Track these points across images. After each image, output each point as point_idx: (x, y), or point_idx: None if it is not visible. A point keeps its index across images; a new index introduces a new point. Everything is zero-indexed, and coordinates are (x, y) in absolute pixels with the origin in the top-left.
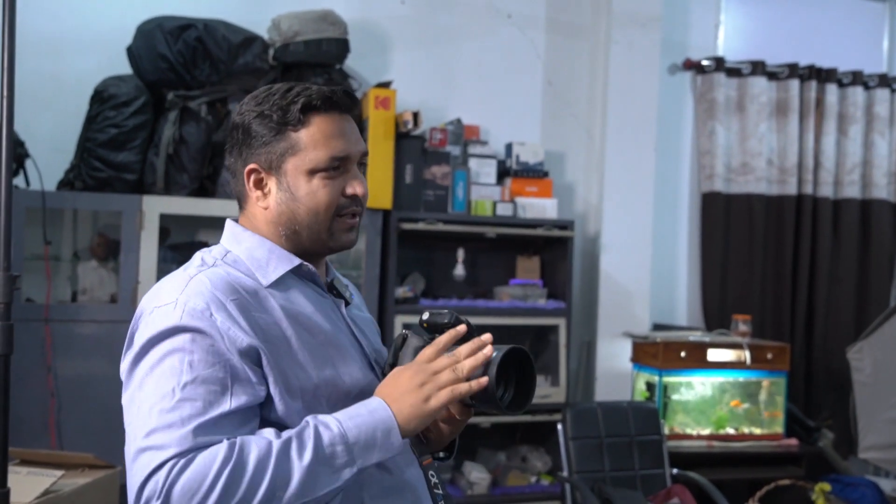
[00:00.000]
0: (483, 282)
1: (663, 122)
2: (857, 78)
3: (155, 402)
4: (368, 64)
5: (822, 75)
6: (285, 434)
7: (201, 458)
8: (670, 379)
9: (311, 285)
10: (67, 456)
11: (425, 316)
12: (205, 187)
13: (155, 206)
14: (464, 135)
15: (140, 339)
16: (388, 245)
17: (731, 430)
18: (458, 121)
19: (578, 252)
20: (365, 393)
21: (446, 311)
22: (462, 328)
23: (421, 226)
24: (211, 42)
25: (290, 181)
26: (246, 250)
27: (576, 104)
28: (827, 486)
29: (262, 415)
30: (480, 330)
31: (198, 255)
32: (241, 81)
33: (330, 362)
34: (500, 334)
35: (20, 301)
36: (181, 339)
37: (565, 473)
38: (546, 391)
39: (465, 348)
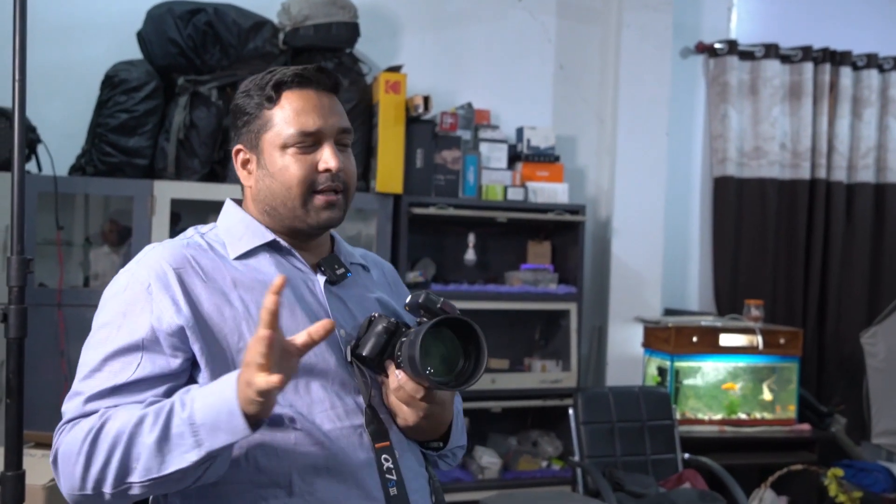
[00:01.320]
0: (494, 267)
1: (675, 106)
2: (872, 61)
3: (81, 368)
4: (379, 48)
5: (837, 58)
6: (152, 408)
7: (78, 427)
8: (682, 364)
9: (289, 259)
10: None
11: (407, 299)
12: (215, 172)
13: (166, 191)
14: (474, 119)
15: (103, 295)
16: (398, 230)
17: (742, 416)
18: (469, 105)
19: (589, 237)
20: (310, 370)
21: (422, 292)
22: (279, 280)
23: (432, 210)
24: (221, 26)
25: (266, 158)
26: (227, 225)
27: (587, 88)
28: (840, 472)
29: (197, 382)
30: (489, 316)
31: (189, 229)
32: (252, 66)
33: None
34: (511, 319)
35: (33, 286)
36: (114, 311)
37: (577, 458)
38: (557, 376)
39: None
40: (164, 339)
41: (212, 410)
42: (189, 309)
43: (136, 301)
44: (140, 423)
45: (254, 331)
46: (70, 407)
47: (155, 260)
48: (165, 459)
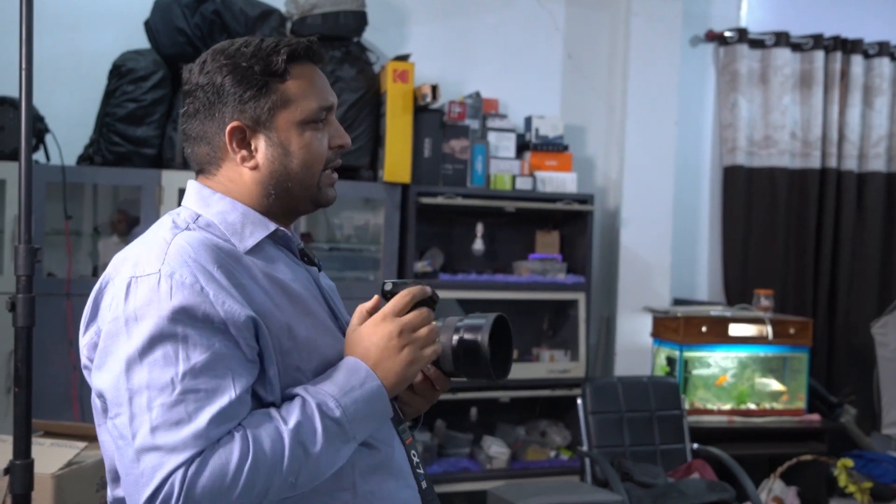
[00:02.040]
0: (502, 256)
1: (685, 95)
2: (884, 49)
3: (153, 396)
4: (386, 37)
5: (848, 46)
6: (290, 418)
7: (217, 457)
8: (691, 354)
9: (285, 251)
10: (90, 428)
11: (388, 286)
12: None
13: (174, 181)
14: (483, 108)
15: (118, 313)
16: (406, 219)
17: (752, 406)
18: (477, 94)
19: (598, 226)
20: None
21: (410, 280)
22: (427, 288)
23: (440, 200)
24: (228, 15)
25: (281, 136)
26: (218, 214)
27: (596, 77)
28: (849, 462)
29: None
30: (497, 306)
31: (167, 217)
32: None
33: (313, 330)
34: (519, 309)
35: (42, 275)
36: (173, 321)
37: (585, 448)
38: (565, 366)
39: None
40: (238, 341)
41: (363, 403)
42: (251, 306)
43: (196, 306)
44: (297, 433)
45: (296, 334)
46: (178, 439)
47: (188, 256)
48: (328, 462)
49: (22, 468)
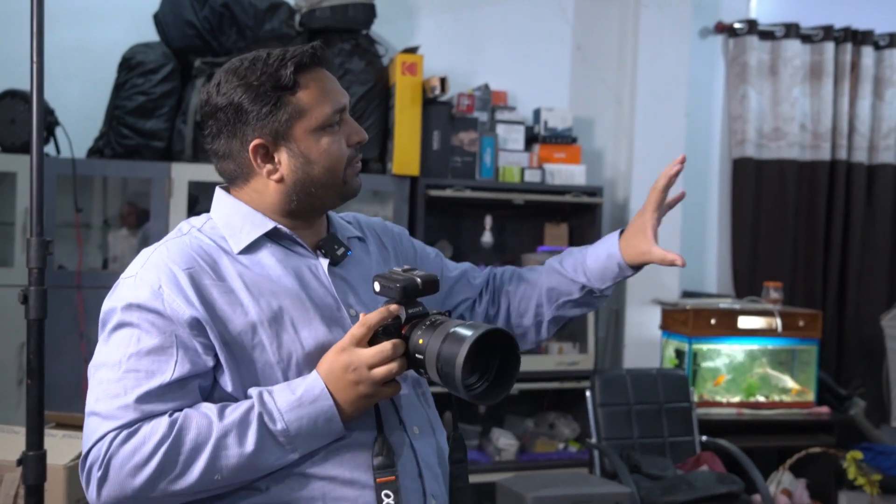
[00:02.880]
0: (511, 249)
1: (694, 87)
2: (895, 40)
3: (105, 372)
4: (395, 29)
5: (858, 37)
6: (228, 416)
7: (141, 433)
8: (700, 346)
9: (290, 246)
10: None
11: (376, 287)
12: None
13: (183, 174)
14: (491, 100)
15: (104, 308)
16: (415, 212)
17: (761, 398)
18: (486, 86)
19: (607, 219)
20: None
21: (396, 285)
22: (393, 309)
23: (448, 192)
24: (237, 8)
25: (301, 146)
26: (224, 216)
27: (605, 69)
28: (859, 455)
29: (216, 381)
30: None
31: (182, 224)
32: (268, 48)
33: (290, 325)
34: None
35: (53, 268)
36: (130, 313)
37: (594, 440)
38: (574, 358)
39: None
40: (188, 335)
41: (309, 420)
42: (203, 306)
43: (150, 303)
44: (225, 435)
45: (267, 332)
46: (111, 409)
47: (162, 261)
48: (259, 465)
49: (34, 459)
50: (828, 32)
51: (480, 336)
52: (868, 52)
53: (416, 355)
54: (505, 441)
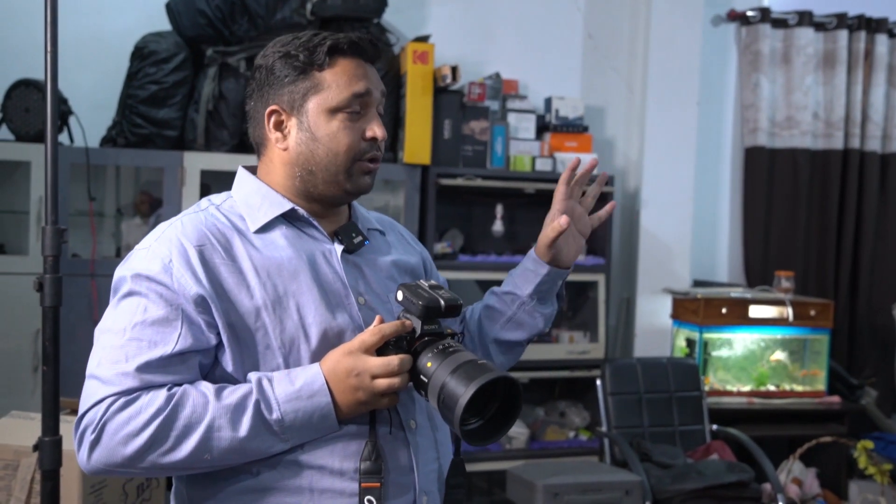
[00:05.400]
0: (521, 238)
1: (706, 75)
2: None
3: (109, 337)
4: (406, 18)
5: (872, 25)
6: (226, 398)
7: (138, 402)
8: (711, 335)
9: (306, 229)
10: None
11: (399, 296)
12: (245, 143)
13: (196, 163)
14: (503, 89)
15: (116, 275)
16: (426, 201)
17: (772, 387)
18: (497, 75)
19: (618, 208)
20: (332, 338)
21: (420, 302)
22: (408, 324)
23: (459, 181)
24: None
25: (310, 121)
26: (243, 195)
27: (616, 57)
28: (869, 444)
29: (217, 360)
30: None
31: (202, 200)
32: (280, 36)
33: (295, 309)
34: None
35: (67, 256)
36: (140, 283)
37: (604, 428)
38: (585, 347)
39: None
40: (193, 311)
41: (304, 414)
42: (210, 284)
43: (159, 275)
44: (219, 416)
45: (271, 316)
46: (111, 374)
47: (175, 236)
48: (249, 450)
49: (50, 445)
50: (841, 20)
51: (487, 383)
52: (882, 40)
53: (422, 377)
54: (515, 429)
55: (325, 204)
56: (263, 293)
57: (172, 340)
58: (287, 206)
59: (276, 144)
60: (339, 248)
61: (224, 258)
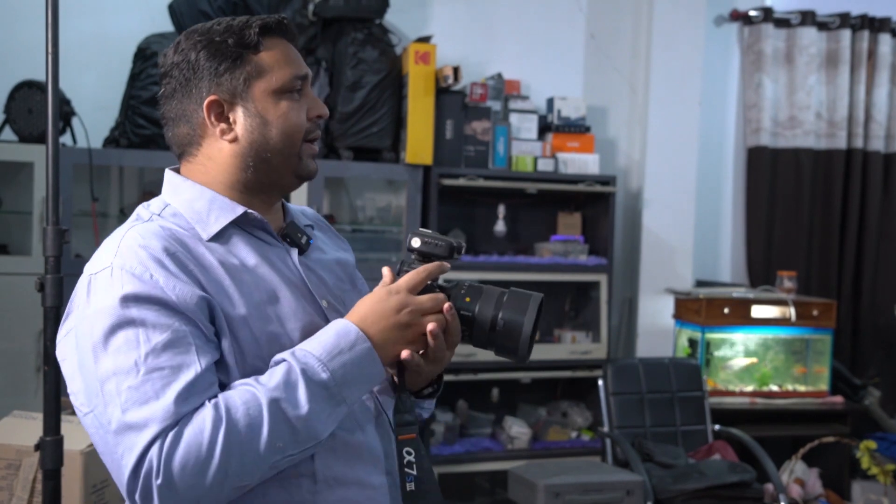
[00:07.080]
0: (524, 238)
1: (708, 75)
2: None
3: (121, 381)
4: (408, 18)
5: (875, 25)
6: (271, 382)
7: (191, 428)
8: (713, 335)
9: (258, 233)
10: None
11: (416, 243)
12: None
13: None
14: (504, 89)
15: (83, 308)
16: (428, 201)
17: (774, 387)
18: (499, 75)
19: (620, 208)
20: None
21: (443, 242)
22: (446, 265)
23: (461, 182)
24: None
25: (258, 106)
26: (185, 202)
27: (618, 57)
28: (872, 444)
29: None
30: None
31: (138, 209)
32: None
33: (275, 317)
34: (541, 290)
35: (69, 256)
36: (128, 309)
37: (606, 428)
38: (587, 347)
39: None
40: (196, 319)
41: (352, 367)
42: (201, 289)
43: (145, 291)
44: (276, 400)
45: (255, 324)
46: (147, 415)
47: (137, 247)
48: (318, 426)
49: (52, 444)
50: (844, 20)
51: (542, 299)
52: (885, 40)
53: (463, 312)
54: (518, 429)
55: (273, 195)
56: (243, 301)
57: (194, 359)
58: (239, 210)
59: (221, 136)
60: (294, 251)
61: (198, 265)
